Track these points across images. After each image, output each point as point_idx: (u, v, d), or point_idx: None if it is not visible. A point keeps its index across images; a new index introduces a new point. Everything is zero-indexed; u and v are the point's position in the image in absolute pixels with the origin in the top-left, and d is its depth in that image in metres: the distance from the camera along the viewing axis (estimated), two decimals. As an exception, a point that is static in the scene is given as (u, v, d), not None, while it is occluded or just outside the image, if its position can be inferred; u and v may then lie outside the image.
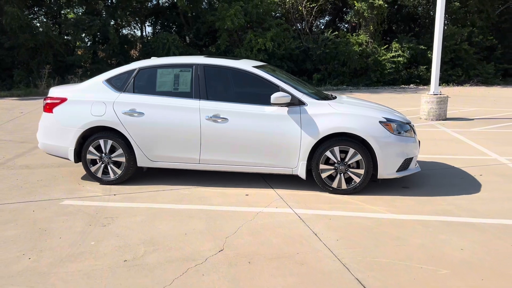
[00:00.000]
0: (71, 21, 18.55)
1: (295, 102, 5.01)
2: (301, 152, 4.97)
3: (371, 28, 20.62)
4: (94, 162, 5.35)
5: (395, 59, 20.11)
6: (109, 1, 20.21)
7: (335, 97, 5.65)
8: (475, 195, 5.06)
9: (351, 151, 4.90)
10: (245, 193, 5.08)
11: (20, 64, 18.41)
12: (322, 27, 23.91)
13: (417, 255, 3.57)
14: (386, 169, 4.96)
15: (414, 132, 5.31)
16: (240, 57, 18.22)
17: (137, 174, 5.67)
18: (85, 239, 3.85)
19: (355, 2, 20.09)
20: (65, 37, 19.19)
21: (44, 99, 5.61)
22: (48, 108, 5.50)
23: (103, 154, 5.30)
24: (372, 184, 5.25)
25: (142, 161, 5.29)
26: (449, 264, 3.42)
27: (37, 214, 4.43)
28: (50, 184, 5.42)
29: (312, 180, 5.16)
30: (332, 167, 4.99)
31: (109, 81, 5.44)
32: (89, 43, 19.66)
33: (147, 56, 18.56)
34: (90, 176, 5.41)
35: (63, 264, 3.40)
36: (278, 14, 21.72)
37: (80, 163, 5.53)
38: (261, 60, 17.80)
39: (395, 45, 20.54)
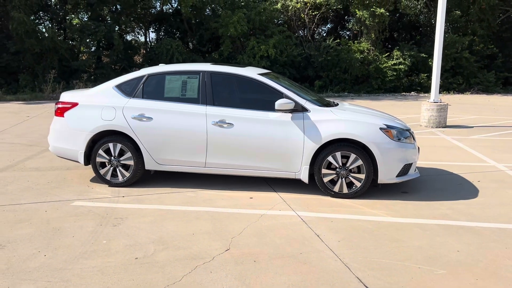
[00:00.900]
0: (76, 26, 18.82)
1: (298, 109, 5.19)
2: (304, 157, 5.13)
3: (373, 36, 20.83)
4: (103, 165, 5.52)
5: (396, 67, 20.28)
6: (114, 7, 20.46)
7: (337, 104, 5.82)
8: (472, 200, 5.21)
9: (353, 156, 5.07)
10: (250, 196, 5.25)
11: (26, 68, 18.64)
12: (324, 34, 24.12)
13: (415, 256, 3.73)
14: (386, 174, 5.12)
15: (414, 139, 5.47)
16: (242, 63, 18.43)
17: (144, 177, 5.84)
18: (97, 238, 4.02)
19: (356, 10, 20.31)
20: (70, 42, 19.43)
21: (56, 104, 5.80)
22: (60, 112, 5.69)
23: (112, 157, 5.47)
24: (373, 189, 5.42)
25: (150, 164, 5.47)
26: (445, 265, 3.58)
27: (50, 214, 4.60)
28: (60, 186, 5.59)
29: (314, 184, 5.32)
30: (334, 172, 5.15)
31: (119, 87, 5.63)
32: (93, 48, 19.88)
33: (151, 61, 18.79)
34: (99, 178, 5.59)
35: (77, 261, 3.57)
36: (280, 21, 21.93)
37: (89, 166, 5.72)
38: (263, 67, 18.00)
39: (396, 53, 20.72)
